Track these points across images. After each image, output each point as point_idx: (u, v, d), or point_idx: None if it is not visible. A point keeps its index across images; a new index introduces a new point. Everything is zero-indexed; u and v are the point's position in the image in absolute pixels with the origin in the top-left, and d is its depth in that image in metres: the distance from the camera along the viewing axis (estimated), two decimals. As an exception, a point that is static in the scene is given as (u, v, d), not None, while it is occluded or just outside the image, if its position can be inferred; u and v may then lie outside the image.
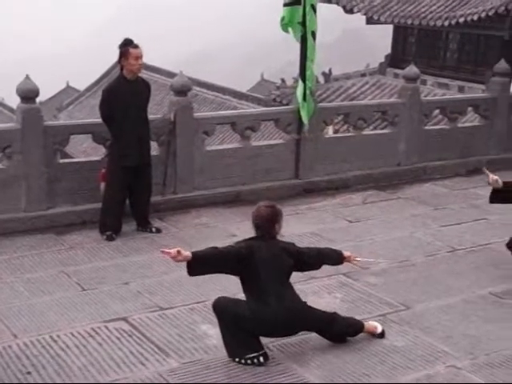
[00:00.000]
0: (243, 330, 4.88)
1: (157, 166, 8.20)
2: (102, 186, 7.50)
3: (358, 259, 5.65)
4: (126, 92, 7.21)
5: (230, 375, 4.79)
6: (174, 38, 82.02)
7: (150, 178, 7.60)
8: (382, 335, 5.32)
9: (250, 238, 5.11)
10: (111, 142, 7.49)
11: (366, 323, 5.33)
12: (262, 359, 4.92)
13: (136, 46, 7.16)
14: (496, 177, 6.56)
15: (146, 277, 6.44)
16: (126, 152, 7.25)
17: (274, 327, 4.98)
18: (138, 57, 7.17)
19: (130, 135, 7.26)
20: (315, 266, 5.47)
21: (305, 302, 5.15)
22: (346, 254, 5.52)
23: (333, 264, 5.57)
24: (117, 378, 4.74)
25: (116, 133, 7.32)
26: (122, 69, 7.31)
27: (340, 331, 5.20)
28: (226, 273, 5.18)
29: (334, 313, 5.28)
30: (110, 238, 7.33)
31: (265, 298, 4.92)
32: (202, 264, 4.99)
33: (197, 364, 4.93)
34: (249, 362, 4.90)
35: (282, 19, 8.55)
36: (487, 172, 6.65)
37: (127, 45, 7.15)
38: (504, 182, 6.57)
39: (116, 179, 7.31)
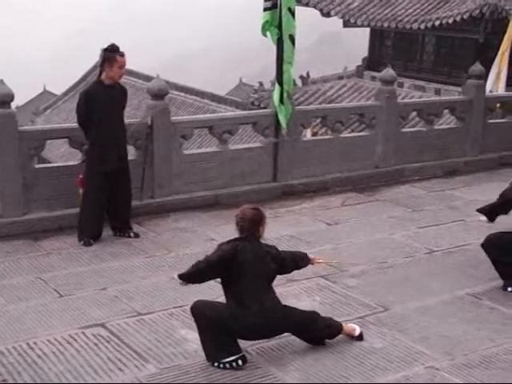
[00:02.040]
0: (221, 332, 4.86)
1: (134, 170, 8.15)
2: (80, 191, 7.44)
3: (320, 261, 5.67)
4: (103, 97, 7.15)
5: (210, 380, 4.77)
6: (151, 42, 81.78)
7: (129, 182, 7.55)
8: (360, 337, 5.33)
9: (235, 239, 5.08)
10: (88, 147, 7.44)
11: (344, 325, 5.34)
12: (240, 362, 4.90)
13: (122, 55, 7.11)
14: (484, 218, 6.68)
15: (123, 282, 6.39)
16: (104, 157, 7.20)
17: (254, 330, 4.97)
18: (122, 65, 7.15)
19: (107, 140, 7.21)
20: (290, 270, 5.47)
21: (285, 306, 5.14)
22: (311, 256, 5.56)
23: (303, 267, 5.56)
24: (94, 385, 4.70)
25: (93, 137, 7.26)
26: (100, 73, 7.24)
27: (319, 332, 5.20)
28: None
29: (314, 312, 5.28)
30: (87, 244, 7.27)
31: (246, 302, 4.90)
32: (190, 281, 5.08)
33: (176, 369, 4.90)
34: (227, 365, 4.88)
35: (266, 23, 8.52)
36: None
37: (114, 51, 7.08)
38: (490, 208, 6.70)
39: (95, 184, 7.25)
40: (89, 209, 7.32)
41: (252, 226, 5.07)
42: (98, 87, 7.24)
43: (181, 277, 5.01)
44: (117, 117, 7.34)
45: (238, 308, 4.90)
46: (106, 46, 7.17)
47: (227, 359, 4.87)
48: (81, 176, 7.43)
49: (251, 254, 4.98)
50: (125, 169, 7.45)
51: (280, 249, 7.21)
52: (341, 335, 5.29)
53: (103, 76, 7.20)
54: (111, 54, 7.08)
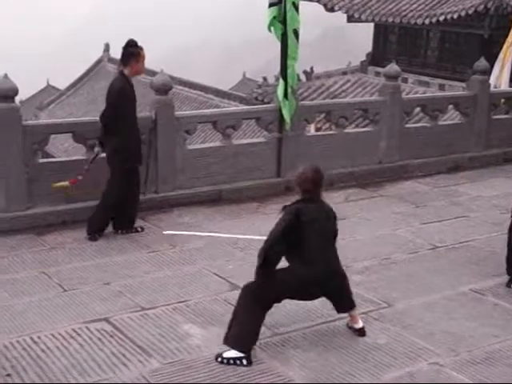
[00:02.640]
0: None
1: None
2: (63, 183, 7.32)
3: None
4: (130, 92, 7.20)
5: (213, 375, 4.77)
6: (154, 36, 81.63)
7: (139, 179, 7.58)
8: (362, 332, 5.33)
9: (297, 201, 5.14)
10: (115, 144, 7.18)
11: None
12: (245, 362, 4.89)
13: (142, 49, 7.16)
14: None
15: (127, 277, 6.40)
16: (135, 152, 7.26)
17: (313, 289, 5.08)
18: (144, 60, 7.22)
19: (134, 135, 7.29)
20: None
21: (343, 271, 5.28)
22: None
23: None
24: (98, 380, 4.70)
25: (122, 133, 7.16)
26: (123, 68, 7.16)
27: (347, 300, 5.30)
28: None
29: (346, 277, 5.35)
30: (93, 239, 7.28)
31: (313, 260, 4.99)
32: (270, 264, 5.06)
33: (179, 364, 4.90)
34: (231, 361, 4.88)
35: (274, 18, 8.49)
36: None
37: (138, 47, 7.13)
38: None
39: (122, 181, 7.22)
40: (111, 205, 7.31)
41: (314, 186, 5.14)
42: (125, 81, 7.20)
43: (261, 267, 5.02)
44: (136, 111, 7.41)
45: (303, 267, 4.99)
46: (126, 42, 7.18)
47: (234, 355, 4.88)
48: (79, 177, 7.36)
49: (317, 214, 5.09)
50: (138, 166, 7.49)
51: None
52: (344, 327, 5.29)
53: (127, 71, 7.16)
54: (136, 50, 7.11)
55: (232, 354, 4.92)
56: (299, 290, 5.09)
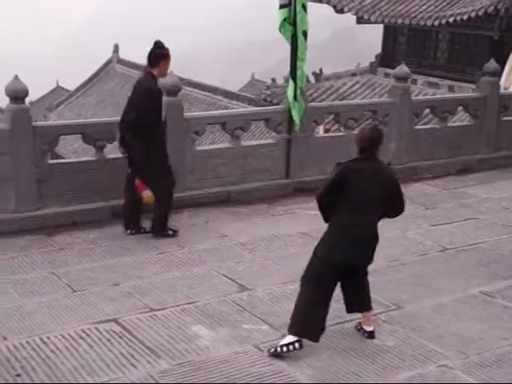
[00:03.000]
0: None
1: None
2: (144, 193, 7.26)
3: None
4: (159, 92, 7.30)
5: (222, 376, 4.78)
6: (162, 37, 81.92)
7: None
8: (371, 335, 5.32)
9: (352, 159, 5.13)
10: (148, 150, 7.15)
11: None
12: (297, 345, 5.00)
13: (169, 50, 7.25)
14: None
15: (136, 278, 6.41)
16: (167, 152, 7.40)
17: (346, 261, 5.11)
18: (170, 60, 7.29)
19: (164, 136, 7.42)
20: (393, 214, 5.44)
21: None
22: None
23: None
24: (107, 380, 4.71)
25: (150, 134, 7.21)
26: (152, 69, 7.19)
27: (363, 293, 5.32)
28: None
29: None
30: (171, 234, 7.45)
31: (348, 225, 5.07)
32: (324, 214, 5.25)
33: (188, 365, 4.91)
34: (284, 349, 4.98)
35: (284, 20, 8.50)
36: None
37: (165, 48, 7.22)
38: None
39: (170, 184, 7.41)
40: (167, 206, 7.43)
41: (369, 145, 5.10)
42: (154, 83, 7.24)
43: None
44: (162, 113, 7.45)
45: (333, 236, 5.13)
46: (154, 44, 7.25)
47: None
48: (137, 180, 7.31)
49: (365, 174, 5.06)
50: None
51: (292, 246, 7.27)
52: (353, 329, 5.28)
53: (156, 72, 7.21)
54: (164, 51, 7.20)
55: (286, 340, 5.02)
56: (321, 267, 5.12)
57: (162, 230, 7.42)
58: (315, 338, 5.06)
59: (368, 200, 5.09)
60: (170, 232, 7.45)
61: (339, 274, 5.18)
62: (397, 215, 5.44)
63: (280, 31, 8.63)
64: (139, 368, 4.87)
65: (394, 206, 5.28)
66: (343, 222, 5.11)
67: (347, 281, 5.27)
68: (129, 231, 7.52)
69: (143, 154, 7.13)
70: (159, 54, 7.16)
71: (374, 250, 5.23)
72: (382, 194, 5.12)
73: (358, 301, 5.37)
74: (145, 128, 7.05)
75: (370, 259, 5.27)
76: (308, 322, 5.04)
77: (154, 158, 7.19)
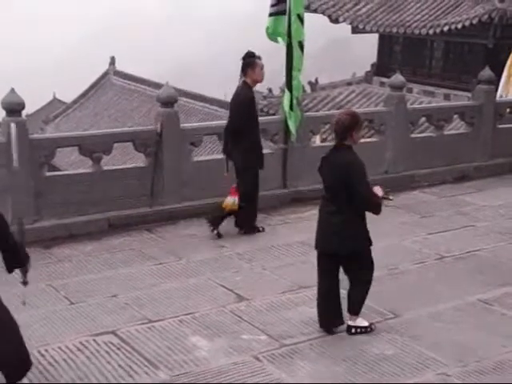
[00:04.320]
0: None
1: (144, 177, 8.20)
2: (232, 200, 7.63)
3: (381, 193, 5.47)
4: (254, 100, 7.71)
5: (220, 387, 4.77)
6: (159, 48, 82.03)
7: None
8: (349, 329, 5.46)
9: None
10: (246, 149, 7.58)
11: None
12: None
13: (260, 58, 7.65)
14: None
15: (134, 289, 6.40)
16: (261, 156, 7.75)
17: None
18: (262, 67, 7.67)
19: (260, 140, 7.80)
20: (357, 204, 5.29)
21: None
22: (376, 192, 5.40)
23: (372, 210, 5.41)
24: (106, 392, 4.71)
25: (251, 141, 7.60)
26: (244, 77, 7.63)
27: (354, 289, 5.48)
28: None
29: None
30: (259, 230, 7.90)
31: (323, 207, 5.46)
32: None
33: (186, 376, 4.90)
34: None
35: (267, 29, 8.62)
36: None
37: (253, 56, 7.65)
38: None
39: (255, 181, 7.76)
40: (254, 204, 7.77)
41: (340, 130, 5.27)
42: (249, 90, 7.64)
43: None
44: (258, 119, 7.86)
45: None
46: (245, 54, 7.72)
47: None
48: (234, 185, 7.64)
49: (324, 163, 5.34)
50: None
51: (289, 256, 7.27)
52: (350, 338, 5.28)
53: (248, 80, 7.60)
54: (251, 59, 7.61)
55: (363, 323, 5.44)
56: None
57: (248, 227, 7.85)
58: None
59: (329, 188, 5.34)
60: (260, 228, 7.90)
61: (323, 263, 5.43)
62: (367, 207, 5.32)
63: (272, 39, 8.69)
64: (137, 380, 4.86)
65: (353, 196, 5.23)
66: (319, 209, 5.49)
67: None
68: (215, 232, 7.76)
69: (242, 159, 7.57)
70: (245, 64, 7.62)
71: (346, 239, 5.28)
72: (335, 183, 5.25)
73: (351, 299, 5.49)
74: (244, 136, 7.50)
75: (340, 247, 5.31)
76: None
77: (248, 161, 7.62)
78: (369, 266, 5.48)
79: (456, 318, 5.87)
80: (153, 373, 4.94)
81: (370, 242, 5.44)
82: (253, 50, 7.73)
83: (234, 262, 7.11)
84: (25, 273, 4.84)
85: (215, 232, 7.75)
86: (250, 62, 7.59)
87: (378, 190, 5.38)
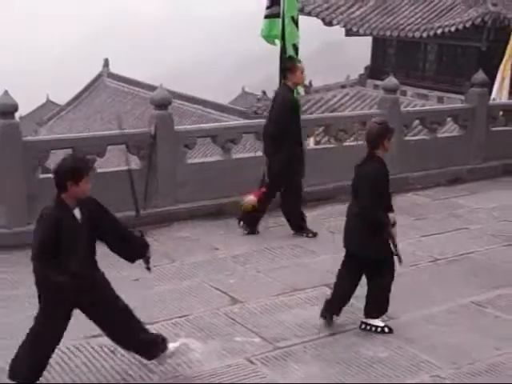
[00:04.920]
0: None
1: (138, 179, 8.18)
2: (251, 199, 7.72)
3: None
4: (297, 102, 7.88)
5: (214, 390, 4.77)
6: (153, 51, 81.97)
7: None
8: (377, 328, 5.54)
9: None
10: (283, 155, 7.57)
11: None
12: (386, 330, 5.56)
13: (300, 61, 7.80)
14: None
15: (127, 292, 6.37)
16: (303, 162, 7.84)
17: None
18: (303, 71, 7.73)
19: (302, 145, 7.91)
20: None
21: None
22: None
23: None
24: (99, 395, 4.69)
25: (291, 145, 7.59)
26: (285, 80, 7.70)
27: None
28: None
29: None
30: (314, 235, 7.92)
31: (349, 208, 5.73)
32: None
33: (180, 379, 4.89)
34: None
35: (262, 31, 8.64)
36: None
37: (293, 60, 7.87)
38: None
39: (299, 189, 7.86)
40: (299, 206, 7.94)
41: (369, 140, 5.48)
42: (290, 94, 7.70)
43: None
44: (300, 124, 7.82)
45: None
46: (286, 57, 8.16)
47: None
48: (263, 189, 7.70)
49: (356, 172, 5.59)
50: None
51: (283, 258, 7.27)
52: (345, 340, 5.27)
53: (289, 83, 7.66)
54: (292, 63, 7.77)
55: (376, 322, 5.51)
56: None
57: (300, 228, 7.94)
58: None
59: (353, 192, 5.59)
60: (314, 232, 7.96)
61: (346, 261, 5.67)
62: (362, 213, 5.46)
63: (269, 42, 8.71)
64: (132, 383, 4.84)
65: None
66: (348, 208, 5.69)
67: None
68: (246, 231, 7.90)
69: (281, 165, 7.55)
70: (286, 68, 7.76)
71: (365, 243, 5.43)
72: (357, 188, 5.53)
73: (366, 301, 5.62)
74: (286, 139, 7.50)
75: (359, 248, 5.49)
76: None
77: (290, 169, 7.65)
78: (387, 272, 5.55)
79: (450, 320, 5.88)
80: (146, 375, 4.93)
81: (390, 251, 5.51)
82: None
83: (228, 264, 7.11)
84: (147, 260, 5.02)
85: (255, 231, 7.99)
86: (290, 65, 7.71)
87: (391, 218, 5.48)
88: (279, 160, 7.56)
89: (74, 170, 4.59)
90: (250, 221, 7.94)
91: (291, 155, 7.60)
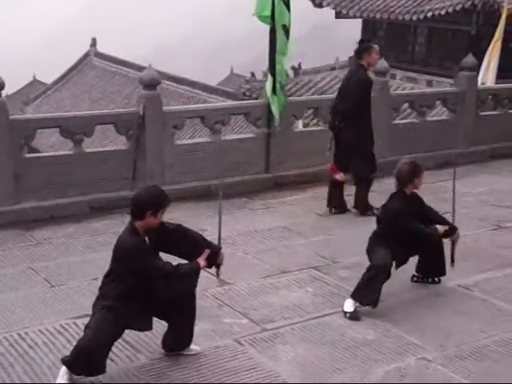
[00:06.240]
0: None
1: (126, 160, 8.15)
2: (340, 176, 8.04)
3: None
4: (370, 81, 8.05)
5: (200, 371, 4.77)
6: (140, 31, 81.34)
7: None
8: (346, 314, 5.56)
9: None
10: (359, 132, 7.86)
11: None
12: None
13: (375, 44, 8.16)
14: None
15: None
16: (373, 138, 8.11)
17: None
18: (378, 52, 8.11)
19: (371, 122, 8.04)
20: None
21: None
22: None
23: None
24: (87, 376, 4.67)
25: (366, 122, 7.92)
26: (360, 60, 7.96)
27: None
28: None
29: None
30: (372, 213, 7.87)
31: None
32: None
33: (167, 360, 4.89)
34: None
35: (255, 10, 8.51)
36: None
37: (369, 42, 8.25)
38: None
39: (371, 163, 8.13)
40: (369, 185, 8.22)
41: (405, 179, 5.88)
42: (366, 74, 7.99)
43: None
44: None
45: None
46: (360, 39, 8.53)
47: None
48: (330, 164, 8.07)
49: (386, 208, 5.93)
50: None
51: (271, 241, 7.27)
52: (333, 323, 5.28)
53: (364, 63, 7.95)
54: (368, 44, 8.08)
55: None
56: None
57: (364, 210, 8.11)
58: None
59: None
60: (369, 213, 7.95)
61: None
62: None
63: (261, 20, 8.60)
64: (118, 363, 4.84)
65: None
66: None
67: None
68: (332, 210, 8.09)
69: (354, 140, 7.80)
70: (362, 48, 8.01)
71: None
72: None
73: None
74: (358, 116, 7.78)
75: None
76: None
77: (361, 143, 7.89)
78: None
79: (437, 303, 5.91)
80: (134, 356, 4.93)
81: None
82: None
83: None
84: (217, 267, 5.09)
85: (334, 211, 8.20)
86: (366, 46, 8.00)
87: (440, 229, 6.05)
88: (352, 135, 7.82)
89: (157, 202, 4.69)
90: (338, 199, 8.20)
91: (364, 131, 7.93)
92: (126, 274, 4.49)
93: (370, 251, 5.85)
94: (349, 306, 5.59)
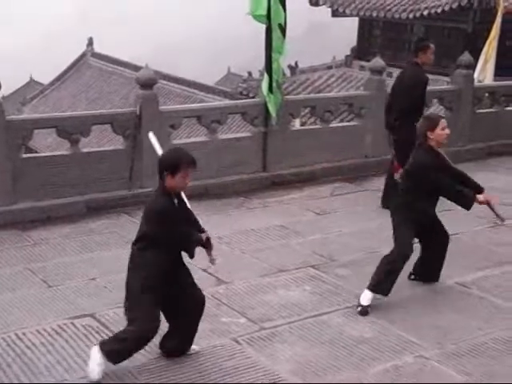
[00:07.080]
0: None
1: (123, 159, 8.14)
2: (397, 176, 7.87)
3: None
4: (426, 79, 8.13)
5: (199, 370, 4.77)
6: (137, 32, 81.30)
7: None
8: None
9: None
10: (411, 127, 7.56)
11: None
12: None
13: (432, 43, 8.22)
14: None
15: (113, 272, 6.35)
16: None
17: None
18: (433, 52, 8.16)
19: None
20: (450, 198, 6.13)
21: None
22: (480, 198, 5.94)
23: (464, 206, 6.11)
24: (84, 376, 4.67)
25: (416, 119, 7.59)
26: (416, 59, 8.10)
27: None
28: None
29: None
30: None
31: None
32: None
33: (165, 359, 4.89)
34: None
35: (250, 10, 8.51)
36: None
37: (425, 40, 8.47)
38: None
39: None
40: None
41: (420, 134, 5.81)
42: (421, 72, 8.11)
43: None
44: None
45: None
46: (418, 39, 8.55)
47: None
48: (396, 162, 7.97)
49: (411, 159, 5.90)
50: None
51: (268, 239, 7.27)
52: (330, 321, 5.28)
53: (419, 61, 8.07)
54: (424, 43, 8.21)
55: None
56: None
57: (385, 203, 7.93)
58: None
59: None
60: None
61: None
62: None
63: (256, 20, 8.59)
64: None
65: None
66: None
67: None
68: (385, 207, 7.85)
69: (410, 138, 7.51)
70: (418, 47, 8.16)
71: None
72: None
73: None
74: (413, 113, 7.73)
75: None
76: None
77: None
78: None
79: (435, 301, 5.91)
80: (133, 356, 4.91)
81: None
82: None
83: (214, 245, 7.06)
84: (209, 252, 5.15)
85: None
86: (423, 45, 8.13)
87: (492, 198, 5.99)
88: (407, 131, 7.67)
89: (173, 164, 4.72)
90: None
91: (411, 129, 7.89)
92: (156, 237, 4.67)
93: (394, 224, 5.94)
94: (366, 299, 5.63)
